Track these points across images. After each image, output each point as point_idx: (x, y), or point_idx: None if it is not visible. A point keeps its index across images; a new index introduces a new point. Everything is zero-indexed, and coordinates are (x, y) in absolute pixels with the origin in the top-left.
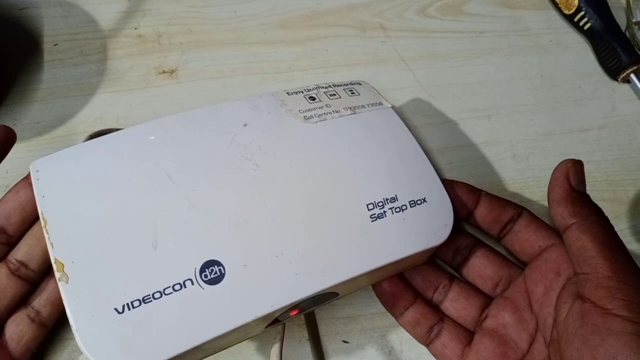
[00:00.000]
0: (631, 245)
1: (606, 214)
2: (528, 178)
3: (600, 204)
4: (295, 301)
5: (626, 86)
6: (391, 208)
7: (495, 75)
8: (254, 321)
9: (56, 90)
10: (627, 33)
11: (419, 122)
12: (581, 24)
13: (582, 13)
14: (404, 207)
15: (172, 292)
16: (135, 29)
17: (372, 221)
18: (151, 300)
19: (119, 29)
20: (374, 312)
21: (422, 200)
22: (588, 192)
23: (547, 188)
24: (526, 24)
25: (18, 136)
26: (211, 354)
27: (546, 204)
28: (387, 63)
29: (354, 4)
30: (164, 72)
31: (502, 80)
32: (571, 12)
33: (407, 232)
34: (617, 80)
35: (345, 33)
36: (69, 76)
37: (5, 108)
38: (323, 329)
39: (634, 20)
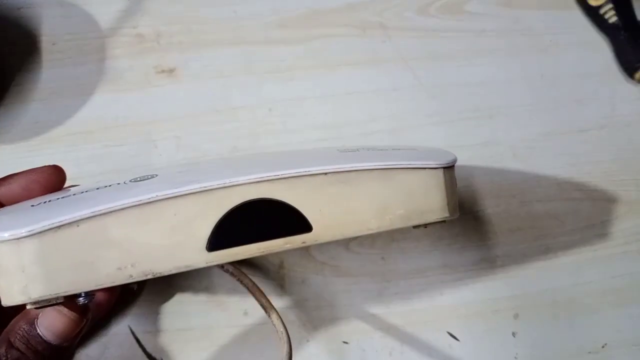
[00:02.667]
0: (631, 245)
1: (606, 214)
2: (528, 178)
3: (600, 204)
4: (227, 183)
5: (626, 86)
6: (368, 149)
7: (496, 75)
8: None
9: (55, 90)
10: None
11: (419, 122)
12: (606, 16)
13: (610, 6)
14: (385, 149)
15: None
16: (135, 28)
17: (342, 152)
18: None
19: (118, 28)
20: (374, 312)
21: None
22: (589, 192)
23: (547, 188)
24: (527, 24)
25: (17, 136)
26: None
27: (545, 203)
28: (387, 63)
29: (354, 3)
30: (163, 71)
31: (502, 80)
32: (599, 3)
33: (393, 156)
34: (634, 78)
35: (345, 33)
36: (69, 76)
37: (5, 108)
38: (323, 329)
39: None
